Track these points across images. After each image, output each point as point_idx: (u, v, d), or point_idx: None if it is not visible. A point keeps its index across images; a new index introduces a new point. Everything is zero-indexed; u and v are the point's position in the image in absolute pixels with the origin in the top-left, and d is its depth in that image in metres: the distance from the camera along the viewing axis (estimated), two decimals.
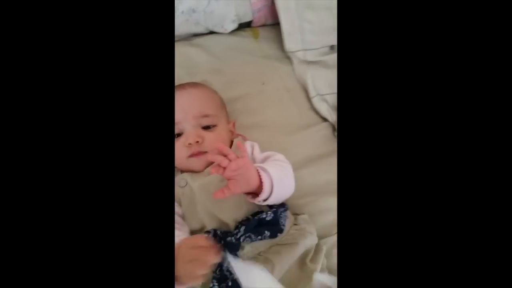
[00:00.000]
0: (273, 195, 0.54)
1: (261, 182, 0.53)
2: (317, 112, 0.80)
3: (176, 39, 0.85)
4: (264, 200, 0.54)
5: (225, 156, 0.49)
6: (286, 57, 0.86)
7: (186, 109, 0.62)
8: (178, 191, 0.60)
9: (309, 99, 0.81)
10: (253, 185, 0.52)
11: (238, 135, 0.72)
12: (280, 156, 0.63)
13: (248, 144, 0.67)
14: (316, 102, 0.81)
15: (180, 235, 0.53)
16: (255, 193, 0.54)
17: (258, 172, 0.53)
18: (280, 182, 0.55)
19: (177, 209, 0.60)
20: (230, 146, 0.66)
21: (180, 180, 0.61)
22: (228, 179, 0.50)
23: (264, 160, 0.62)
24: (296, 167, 0.64)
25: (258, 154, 0.65)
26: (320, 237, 0.62)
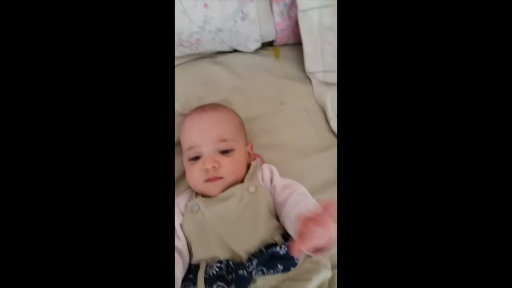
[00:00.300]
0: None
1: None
2: (335, 134, 0.79)
3: (200, 56, 0.87)
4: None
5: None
6: (306, 77, 0.86)
7: (205, 133, 0.63)
8: (188, 218, 0.61)
9: (327, 120, 0.81)
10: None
11: (255, 155, 0.72)
12: (303, 189, 0.61)
13: (266, 168, 0.67)
14: (334, 123, 0.80)
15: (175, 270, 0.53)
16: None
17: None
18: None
19: (176, 242, 0.59)
20: (247, 168, 0.66)
21: (193, 205, 0.61)
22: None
23: (284, 189, 0.61)
24: (313, 191, 0.63)
25: (278, 181, 0.64)
26: (335, 266, 0.60)
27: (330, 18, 0.80)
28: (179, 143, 0.71)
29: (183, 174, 0.69)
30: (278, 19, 0.86)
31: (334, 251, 0.60)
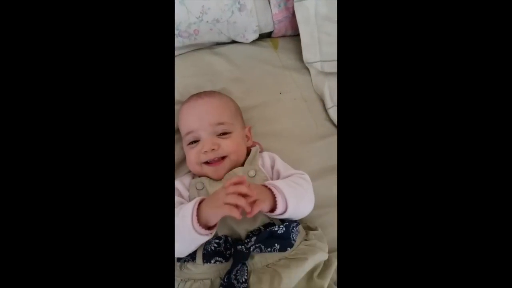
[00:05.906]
0: (288, 212, 0.56)
1: (275, 202, 0.55)
2: (333, 123, 0.81)
3: (199, 47, 0.88)
4: (280, 215, 0.57)
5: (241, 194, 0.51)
6: (304, 67, 0.87)
7: (202, 118, 0.64)
8: (192, 195, 0.62)
9: (325, 109, 0.82)
10: (270, 205, 0.55)
11: (255, 143, 0.73)
12: (306, 177, 0.64)
13: (267, 156, 0.68)
14: (333, 112, 0.81)
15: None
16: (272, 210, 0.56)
17: (274, 195, 0.55)
18: (295, 199, 0.57)
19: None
20: (247, 152, 0.68)
21: (197, 182, 0.63)
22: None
23: (287, 173, 0.64)
24: (311, 178, 0.64)
25: (281, 167, 0.65)
26: (332, 250, 0.61)
27: (327, 7, 0.81)
28: (178, 131, 0.72)
29: (183, 160, 0.70)
30: (275, 10, 0.87)
31: (333, 234, 0.63)
